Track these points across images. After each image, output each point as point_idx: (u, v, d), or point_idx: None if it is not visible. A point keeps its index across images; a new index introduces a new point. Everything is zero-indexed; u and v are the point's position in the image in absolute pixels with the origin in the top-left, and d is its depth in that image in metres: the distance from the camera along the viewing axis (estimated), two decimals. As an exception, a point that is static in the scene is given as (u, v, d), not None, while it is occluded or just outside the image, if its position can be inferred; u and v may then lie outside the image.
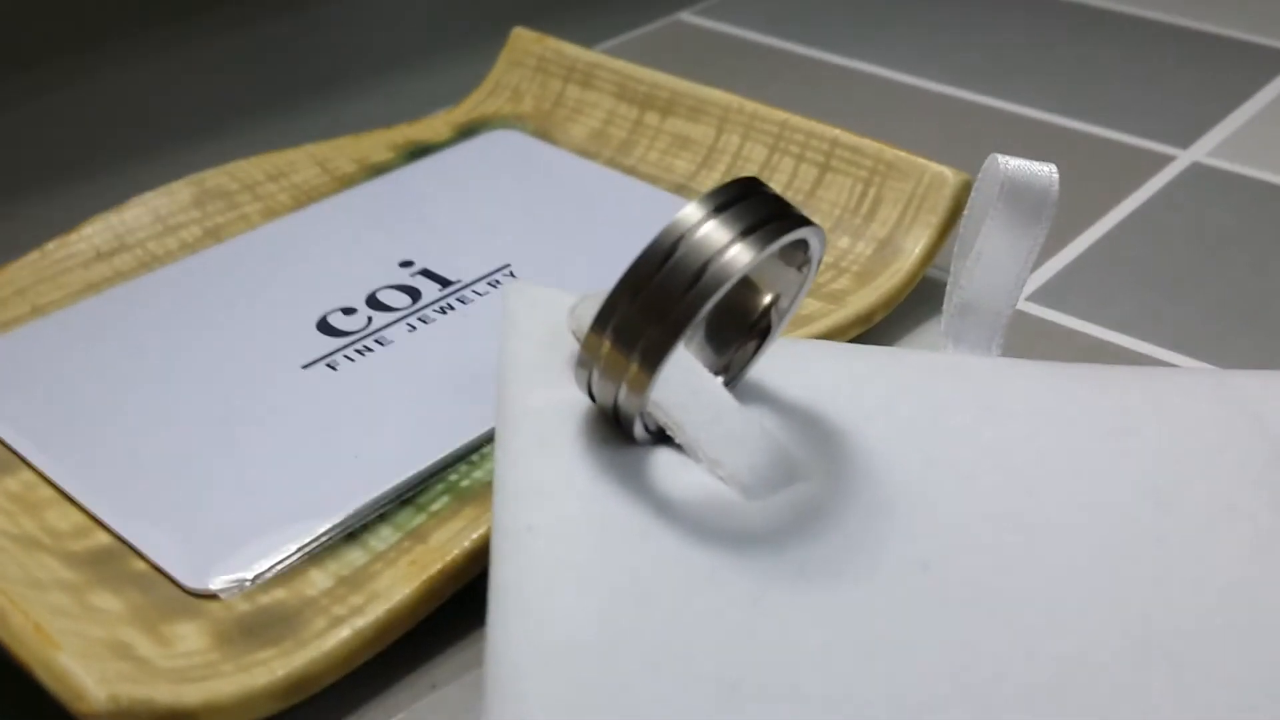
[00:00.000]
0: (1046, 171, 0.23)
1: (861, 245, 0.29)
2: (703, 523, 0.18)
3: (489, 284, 0.27)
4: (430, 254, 0.28)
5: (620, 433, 0.20)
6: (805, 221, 0.18)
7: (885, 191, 0.29)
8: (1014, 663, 0.17)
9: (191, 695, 0.18)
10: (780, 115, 0.31)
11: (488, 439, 0.23)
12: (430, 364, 0.25)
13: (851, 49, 0.42)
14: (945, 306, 0.23)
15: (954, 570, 0.18)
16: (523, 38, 0.35)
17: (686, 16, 0.45)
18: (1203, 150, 0.36)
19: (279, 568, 0.20)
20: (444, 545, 0.20)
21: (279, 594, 0.20)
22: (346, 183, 0.31)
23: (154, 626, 0.19)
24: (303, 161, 0.31)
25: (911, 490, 0.20)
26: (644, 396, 0.18)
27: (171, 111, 0.34)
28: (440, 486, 0.22)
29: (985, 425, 0.21)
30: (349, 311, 0.26)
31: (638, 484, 0.19)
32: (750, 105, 0.31)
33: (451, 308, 0.26)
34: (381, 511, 0.22)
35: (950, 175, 0.28)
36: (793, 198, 0.30)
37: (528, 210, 0.30)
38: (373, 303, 0.27)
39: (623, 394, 0.18)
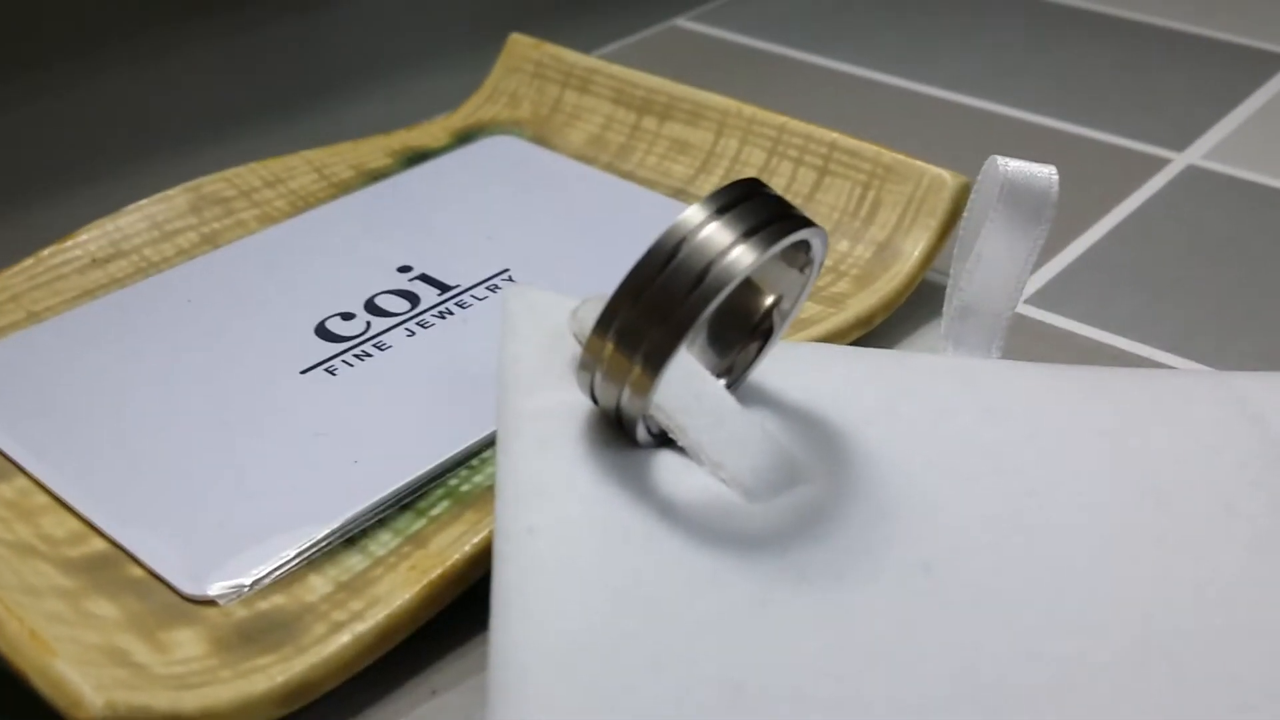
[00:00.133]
0: (1046, 173, 0.23)
1: (861, 248, 0.29)
2: (705, 525, 0.18)
3: (488, 289, 0.27)
4: (429, 259, 0.28)
5: (623, 435, 0.19)
6: (807, 222, 0.18)
7: (884, 195, 0.29)
8: (1016, 663, 0.17)
9: (190, 702, 0.17)
10: (779, 119, 0.31)
11: (487, 443, 0.23)
12: (429, 369, 0.25)
13: (847, 54, 0.42)
14: (945, 309, 0.23)
15: (955, 572, 0.18)
16: (520, 43, 0.35)
17: (682, 22, 0.45)
18: (1198, 153, 0.36)
19: (277, 573, 0.20)
20: (444, 550, 0.20)
21: (278, 600, 0.20)
22: (344, 189, 0.31)
23: (151, 633, 0.19)
24: (300, 168, 0.31)
25: (913, 492, 0.19)
26: (647, 399, 0.18)
27: (168, 117, 0.34)
28: (440, 491, 0.22)
29: (986, 427, 0.21)
30: (347, 317, 0.26)
31: (640, 486, 0.19)
32: (748, 109, 0.31)
33: (450, 313, 0.26)
34: (381, 516, 0.21)
35: (949, 178, 0.28)
36: (791, 201, 0.30)
37: (526, 215, 0.30)
38: (371, 308, 0.26)
39: (626, 396, 0.18)
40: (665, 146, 0.32)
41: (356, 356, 0.25)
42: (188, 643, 0.19)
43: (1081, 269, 0.31)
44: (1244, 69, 0.41)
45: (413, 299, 0.27)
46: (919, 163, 0.29)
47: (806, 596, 0.18)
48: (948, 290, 0.23)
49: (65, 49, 0.31)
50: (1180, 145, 0.36)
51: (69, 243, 0.28)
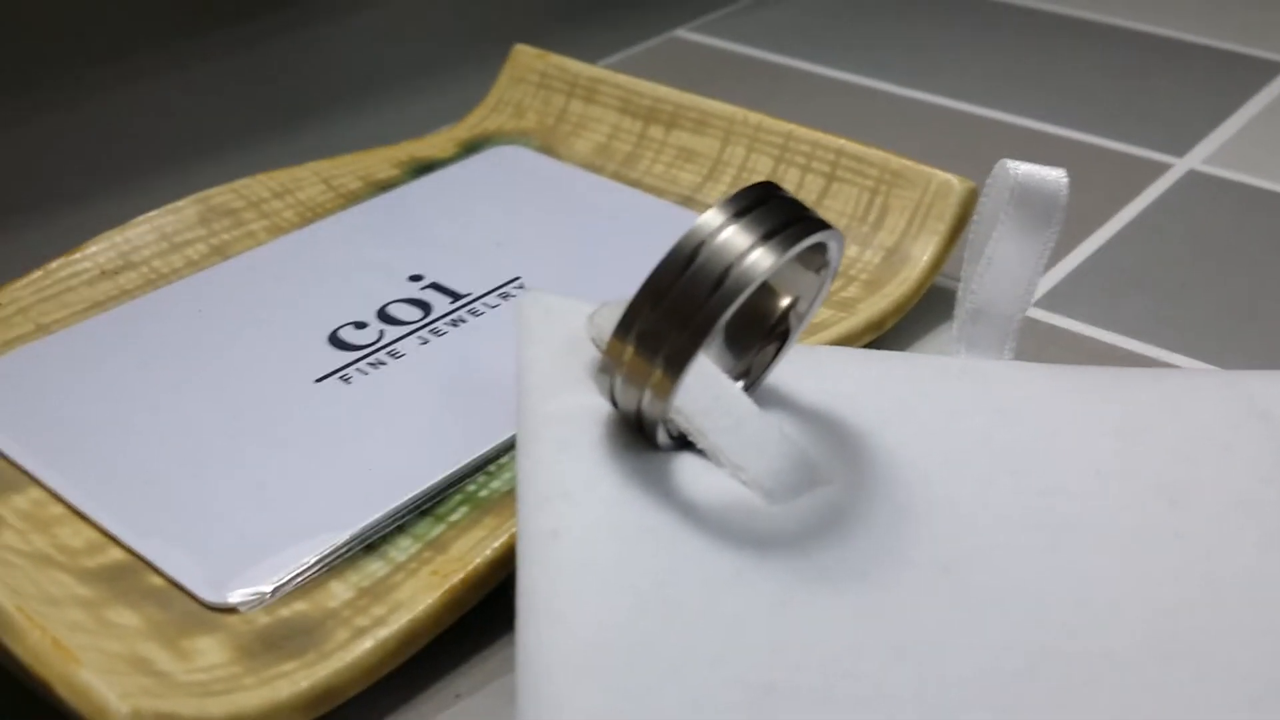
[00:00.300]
0: (1056, 176, 0.23)
1: (870, 254, 0.29)
2: (727, 527, 0.18)
3: (499, 296, 0.27)
4: (439, 268, 0.28)
5: (643, 438, 0.20)
6: (825, 225, 0.18)
7: (892, 200, 0.29)
8: (1037, 661, 0.17)
9: (215, 709, 0.17)
10: (785, 126, 0.31)
11: (504, 449, 0.23)
12: (443, 376, 0.25)
13: (848, 63, 0.42)
14: (957, 312, 0.23)
15: (975, 571, 0.18)
16: (524, 54, 0.35)
17: (683, 33, 0.45)
18: (1199, 158, 0.36)
19: (298, 580, 0.20)
20: (465, 554, 0.20)
21: (299, 606, 0.20)
22: (352, 199, 0.31)
23: (173, 641, 0.19)
24: (308, 179, 0.31)
25: (930, 493, 0.20)
26: (668, 402, 0.18)
27: (176, 130, 0.34)
28: (458, 497, 0.22)
29: (1000, 428, 0.21)
30: (360, 325, 0.26)
31: (662, 489, 0.19)
32: (755, 117, 0.31)
33: (463, 320, 0.26)
34: (400, 523, 0.21)
35: (956, 183, 0.28)
36: (799, 208, 0.30)
37: (535, 224, 0.30)
38: (384, 316, 0.27)
39: (646, 400, 0.18)
40: (672, 155, 0.32)
41: (370, 365, 0.25)
42: (210, 650, 0.19)
43: (1088, 273, 0.31)
44: (1242, 76, 0.41)
45: (425, 307, 0.27)
46: (926, 168, 0.29)
47: (829, 596, 0.18)
48: (959, 293, 0.23)
49: (72, 63, 0.32)
50: (1181, 150, 0.37)
51: (77, 255, 0.28)
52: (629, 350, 0.18)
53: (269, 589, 0.20)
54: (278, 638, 0.19)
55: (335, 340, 0.26)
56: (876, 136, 0.34)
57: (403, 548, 0.21)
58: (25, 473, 0.22)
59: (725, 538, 0.18)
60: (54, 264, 0.28)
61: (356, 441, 0.23)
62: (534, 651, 0.16)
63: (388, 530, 0.21)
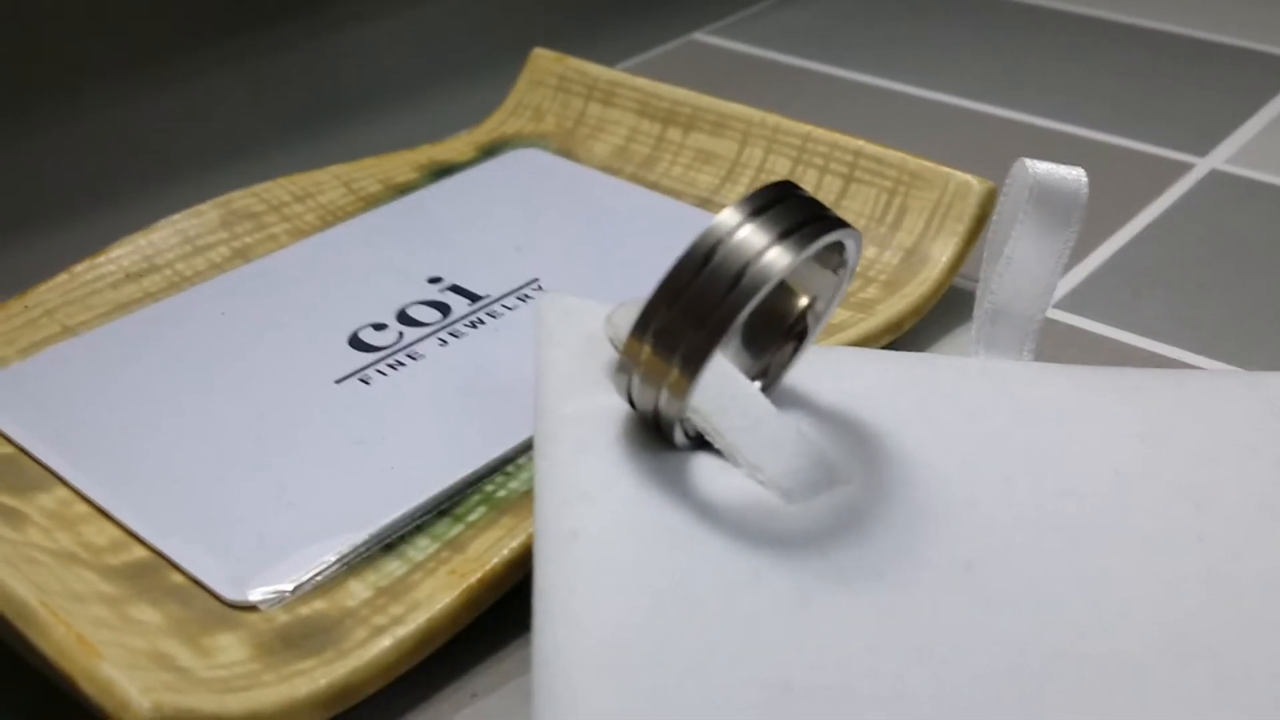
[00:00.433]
0: (1075, 175, 0.23)
1: (889, 254, 0.29)
2: (745, 527, 0.18)
3: (518, 298, 0.27)
4: (458, 270, 0.28)
5: (660, 438, 0.20)
6: (842, 223, 0.18)
7: (910, 201, 0.29)
8: (1059, 661, 0.17)
9: (234, 705, 0.18)
10: (803, 128, 0.31)
11: (522, 450, 0.23)
12: (462, 377, 0.25)
13: (865, 65, 0.42)
14: (976, 312, 0.23)
15: (997, 571, 0.18)
16: (543, 58, 0.35)
17: (701, 36, 0.45)
18: (1220, 158, 0.36)
19: (318, 579, 0.20)
20: (483, 554, 0.20)
21: (319, 605, 0.20)
22: (372, 202, 0.31)
23: (194, 638, 0.19)
24: (329, 182, 0.32)
25: (950, 493, 0.20)
26: (685, 401, 0.18)
27: (198, 135, 0.34)
28: (476, 497, 0.22)
29: (1020, 428, 0.21)
30: (380, 327, 0.26)
31: (679, 489, 0.19)
32: (773, 119, 0.31)
33: (482, 322, 0.27)
34: (419, 523, 0.22)
35: (975, 183, 0.28)
36: (817, 209, 0.30)
37: (553, 226, 0.30)
38: (403, 318, 0.27)
39: (664, 399, 0.18)
40: (690, 157, 0.32)
41: (390, 366, 0.25)
42: (231, 647, 0.19)
43: (1109, 273, 0.31)
44: (1264, 75, 0.41)
45: (444, 309, 0.27)
46: (945, 168, 0.29)
47: (848, 596, 0.18)
48: (978, 293, 0.23)
49: (95, 71, 0.32)
50: (1203, 150, 0.37)
51: (102, 258, 0.28)
52: (646, 350, 0.18)
53: (289, 587, 0.20)
54: (297, 636, 0.19)
55: (355, 342, 0.26)
56: (895, 137, 0.34)
57: (421, 547, 0.21)
58: (51, 472, 0.23)
59: (743, 538, 0.18)
60: (79, 267, 0.28)
61: (376, 442, 0.23)
62: (551, 651, 0.17)
63: (406, 530, 0.21)
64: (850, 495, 0.19)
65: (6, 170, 0.31)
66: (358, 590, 0.20)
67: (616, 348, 0.20)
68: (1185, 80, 0.41)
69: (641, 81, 0.34)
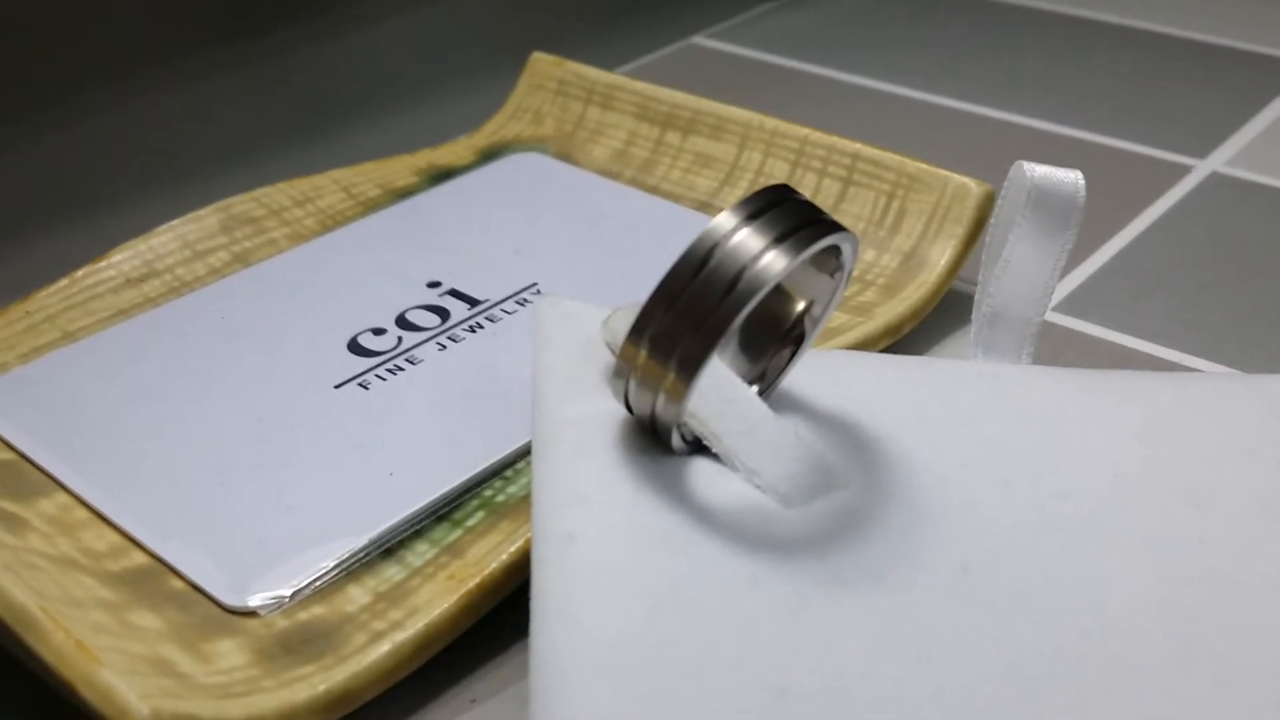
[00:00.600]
0: (1073, 178, 0.23)
1: (887, 258, 0.29)
2: (742, 531, 0.18)
3: (517, 302, 0.27)
4: (457, 274, 0.28)
5: (657, 443, 0.20)
6: (838, 227, 0.18)
7: (909, 204, 0.29)
8: (1058, 664, 0.17)
9: (234, 711, 0.18)
10: (801, 131, 0.31)
11: (521, 454, 0.23)
12: (461, 382, 0.25)
13: (864, 68, 0.42)
14: (974, 316, 0.23)
15: (996, 573, 0.18)
16: (542, 61, 0.35)
17: (700, 40, 0.45)
18: (1220, 160, 0.36)
19: (317, 584, 0.20)
20: (481, 559, 0.20)
21: (318, 610, 0.20)
22: (371, 207, 0.31)
23: (194, 644, 0.19)
24: (328, 187, 0.32)
25: (949, 496, 0.20)
26: (681, 405, 0.18)
27: (198, 140, 0.34)
28: (475, 502, 0.22)
29: (1019, 431, 0.21)
30: (379, 332, 0.26)
31: (677, 493, 0.19)
32: (771, 122, 0.31)
33: (480, 326, 0.27)
34: (418, 528, 0.22)
35: (974, 186, 0.28)
36: (816, 213, 0.30)
37: (552, 230, 0.30)
38: (402, 323, 0.27)
39: (660, 403, 0.18)
40: (689, 160, 0.32)
41: (389, 371, 0.25)
42: (230, 653, 0.19)
43: (1108, 276, 0.31)
44: (1264, 77, 0.41)
45: (443, 314, 0.27)
46: (943, 172, 0.29)
47: (846, 599, 0.18)
48: (976, 297, 0.23)
49: (97, 74, 0.32)
50: (1202, 152, 0.37)
51: (103, 263, 0.28)
52: (642, 354, 0.18)
53: (288, 593, 0.20)
54: (296, 641, 0.19)
55: (354, 347, 0.26)
56: (893, 140, 0.34)
57: (420, 553, 0.21)
58: (51, 478, 0.23)
59: (740, 542, 0.18)
60: (80, 272, 0.28)
61: (374, 447, 0.23)
62: (548, 654, 0.17)
63: (405, 535, 0.21)
64: (848, 499, 0.19)
65: (7, 175, 0.31)
66: (357, 595, 0.20)
67: (613, 352, 0.20)
68: (1185, 82, 0.41)
69: (640, 85, 0.34)
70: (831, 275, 0.20)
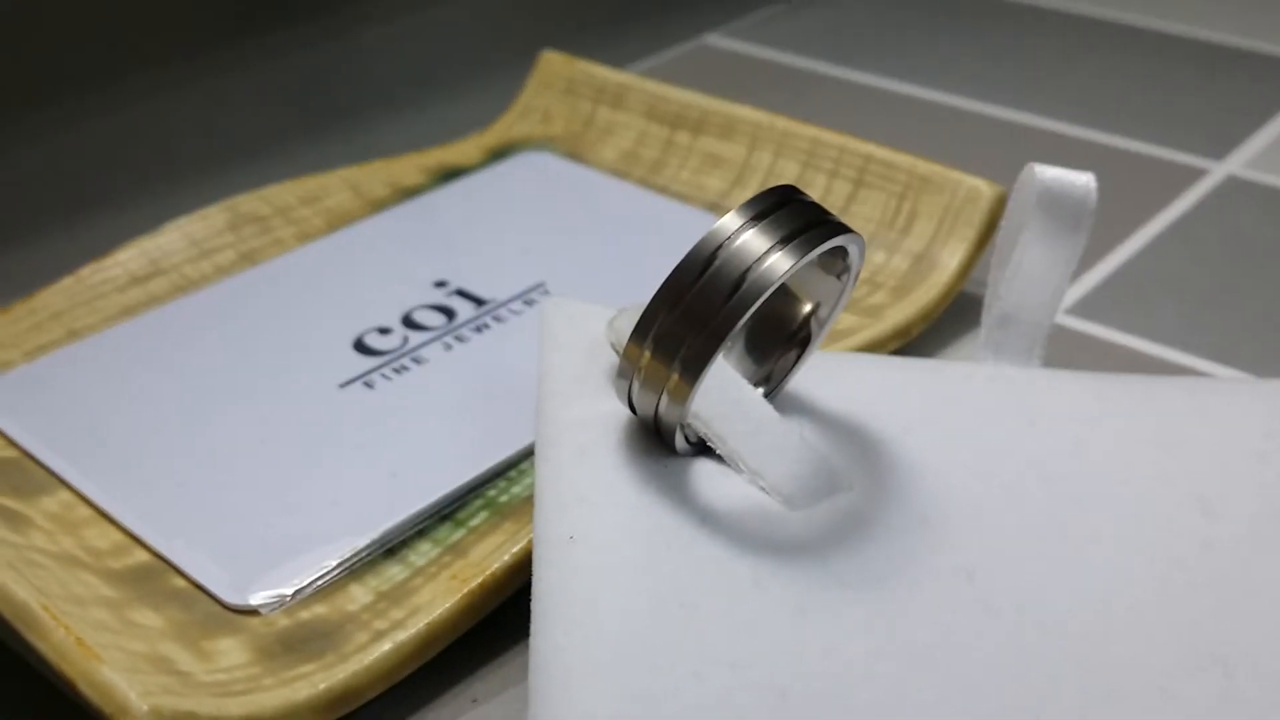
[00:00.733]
0: (1084, 180, 0.22)
1: (898, 260, 0.28)
2: (745, 533, 0.18)
3: (523, 302, 0.27)
4: (464, 274, 0.28)
5: (661, 444, 0.19)
6: (844, 228, 0.18)
7: (920, 206, 0.29)
8: (1062, 670, 0.17)
9: (234, 709, 0.18)
10: (812, 131, 0.31)
11: (525, 455, 0.23)
12: (466, 381, 0.25)
13: (878, 67, 0.42)
14: (984, 318, 0.23)
15: (999, 579, 0.18)
16: (552, 60, 0.35)
17: (712, 39, 0.45)
18: (1238, 163, 0.36)
19: (319, 583, 0.20)
20: (484, 559, 0.20)
21: (319, 609, 0.20)
22: (379, 206, 0.31)
23: (195, 642, 0.19)
24: (335, 185, 0.32)
25: (954, 500, 0.19)
26: (685, 406, 0.18)
27: (205, 138, 0.34)
28: (479, 502, 0.22)
29: (1028, 435, 0.21)
30: (385, 331, 0.26)
31: (680, 494, 0.19)
32: (781, 122, 0.31)
33: (487, 326, 0.27)
34: (420, 527, 0.21)
35: (985, 188, 0.28)
36: (825, 214, 0.30)
37: (560, 230, 0.30)
38: (408, 322, 0.27)
39: (664, 404, 0.18)
40: (699, 161, 0.32)
41: (394, 370, 0.25)
42: (231, 651, 0.19)
43: (1122, 279, 0.31)
44: (1278, 80, 0.41)
45: (449, 313, 0.27)
46: (955, 173, 0.29)
47: (847, 603, 0.17)
48: (986, 299, 0.23)
49: (101, 72, 0.32)
50: (1219, 155, 0.36)
51: (108, 261, 0.28)
52: (646, 355, 0.18)
53: (289, 591, 0.20)
54: (297, 640, 0.19)
55: (360, 346, 0.26)
56: (908, 141, 0.34)
57: (422, 552, 0.21)
58: (55, 475, 0.23)
59: (743, 544, 0.18)
60: (85, 270, 0.28)
61: (379, 446, 0.23)
62: (548, 654, 0.16)
63: (408, 535, 0.21)
64: (852, 502, 0.19)
65: (12, 173, 0.31)
66: (358, 594, 0.20)
67: (618, 353, 0.20)
68: (1202, 84, 0.41)
69: (650, 84, 0.34)
70: (838, 277, 0.20)
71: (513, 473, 0.23)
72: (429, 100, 0.39)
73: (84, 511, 0.22)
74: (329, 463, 0.23)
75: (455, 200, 0.31)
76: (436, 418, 0.24)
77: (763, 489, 0.19)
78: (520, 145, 0.34)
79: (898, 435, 0.20)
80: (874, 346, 0.25)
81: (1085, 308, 0.29)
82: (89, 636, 0.18)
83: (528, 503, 0.22)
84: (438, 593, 0.20)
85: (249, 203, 0.30)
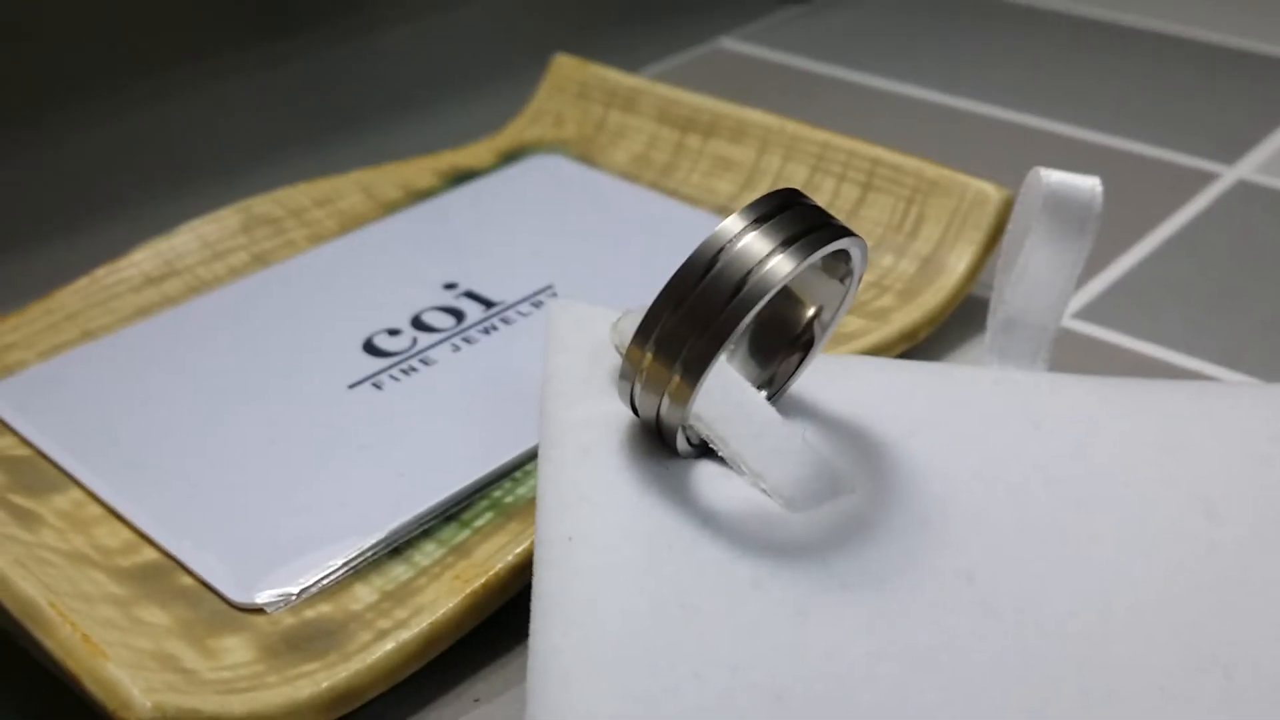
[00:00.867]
0: (1090, 184, 0.22)
1: (905, 263, 0.28)
2: (746, 534, 0.18)
3: (532, 305, 0.27)
4: (474, 276, 0.28)
5: (663, 445, 0.20)
6: (846, 232, 0.18)
7: (928, 209, 0.29)
8: (1063, 673, 0.17)
9: (237, 707, 0.18)
10: (821, 135, 0.31)
11: (531, 456, 0.23)
12: (474, 383, 0.25)
13: (889, 71, 0.42)
14: (989, 322, 0.23)
15: (1000, 582, 0.18)
16: (564, 64, 0.36)
17: (726, 42, 0.45)
18: (1249, 167, 0.36)
19: (324, 582, 0.20)
20: (488, 560, 0.20)
21: (324, 608, 0.20)
22: (391, 208, 0.32)
23: (200, 640, 0.19)
24: (348, 188, 0.32)
25: (956, 502, 0.19)
26: (686, 408, 0.18)
27: (219, 141, 0.35)
28: (484, 503, 0.22)
29: (1032, 439, 0.21)
30: (394, 333, 0.27)
31: (681, 496, 0.19)
32: (791, 126, 0.31)
33: (495, 328, 0.27)
34: (426, 527, 0.22)
35: (993, 192, 0.28)
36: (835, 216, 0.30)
37: (570, 233, 0.30)
38: (417, 324, 0.27)
39: (665, 406, 0.18)
40: (709, 164, 0.32)
41: (403, 371, 0.25)
42: (236, 649, 0.19)
43: (1130, 283, 0.30)
44: (1295, 83, 0.41)
45: (458, 315, 0.27)
46: (963, 177, 0.29)
47: (848, 605, 0.18)
48: (991, 303, 0.23)
49: (118, 76, 0.32)
50: (1230, 159, 0.36)
51: (123, 262, 0.29)
52: (648, 356, 0.18)
53: (295, 590, 0.20)
54: (301, 639, 0.19)
55: (369, 347, 0.26)
56: (917, 144, 0.34)
57: (427, 552, 0.21)
58: (66, 474, 0.23)
59: (744, 545, 0.18)
60: (100, 271, 0.28)
61: (387, 447, 0.23)
62: (547, 654, 0.17)
63: (413, 535, 0.21)
64: (853, 504, 0.19)
65: (28, 175, 0.31)
66: (363, 594, 0.20)
67: (621, 354, 0.20)
68: (1213, 88, 0.40)
69: (662, 88, 0.34)
70: (841, 280, 0.20)
71: (518, 474, 0.23)
72: (441, 103, 0.39)
73: (94, 510, 0.22)
74: (337, 463, 0.23)
75: (466, 203, 0.32)
76: (443, 419, 0.24)
77: (764, 491, 0.19)
78: (532, 148, 0.34)
79: (901, 438, 0.20)
80: (881, 349, 0.25)
81: (1093, 312, 0.29)
82: (95, 633, 0.18)
83: (532, 504, 0.22)
84: (441, 593, 0.20)
85: (262, 205, 0.31)
